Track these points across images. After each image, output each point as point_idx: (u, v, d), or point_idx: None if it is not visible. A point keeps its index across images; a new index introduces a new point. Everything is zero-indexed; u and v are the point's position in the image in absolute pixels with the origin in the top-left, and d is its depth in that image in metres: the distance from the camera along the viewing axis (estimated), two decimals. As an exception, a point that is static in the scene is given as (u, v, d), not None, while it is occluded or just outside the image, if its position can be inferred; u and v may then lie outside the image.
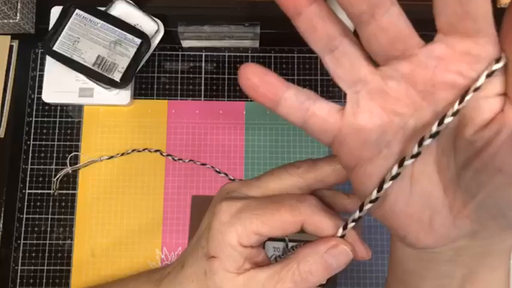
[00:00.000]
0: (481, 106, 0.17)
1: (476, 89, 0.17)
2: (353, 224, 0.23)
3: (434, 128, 0.19)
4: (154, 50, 0.46)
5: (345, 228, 0.23)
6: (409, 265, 0.23)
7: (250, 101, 0.47)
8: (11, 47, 0.47)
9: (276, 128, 0.46)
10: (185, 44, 0.47)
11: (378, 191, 0.20)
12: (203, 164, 0.45)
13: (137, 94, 0.47)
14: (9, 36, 0.47)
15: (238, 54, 0.48)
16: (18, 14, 0.45)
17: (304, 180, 0.26)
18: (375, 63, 0.20)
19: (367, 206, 0.21)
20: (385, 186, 0.20)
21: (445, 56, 0.18)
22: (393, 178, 0.20)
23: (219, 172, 0.45)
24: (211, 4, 0.47)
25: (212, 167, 0.45)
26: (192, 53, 0.48)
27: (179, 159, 0.45)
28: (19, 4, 0.45)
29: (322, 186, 0.27)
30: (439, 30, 0.18)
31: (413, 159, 0.19)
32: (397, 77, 0.19)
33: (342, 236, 0.24)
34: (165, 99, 0.47)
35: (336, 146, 0.22)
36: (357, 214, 0.22)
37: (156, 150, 0.45)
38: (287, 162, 0.27)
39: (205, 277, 0.26)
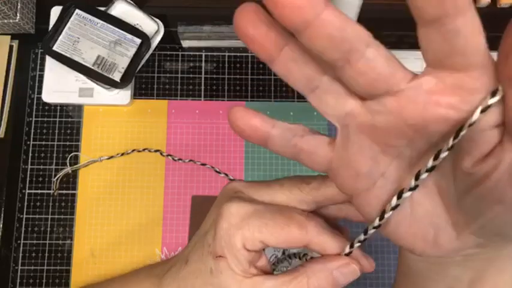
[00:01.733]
0: (477, 139, 0.17)
1: (471, 125, 0.16)
2: (359, 244, 0.24)
3: (430, 163, 0.18)
4: (154, 50, 0.46)
5: (351, 246, 0.24)
6: (418, 269, 0.24)
7: (250, 101, 0.47)
8: (11, 47, 0.47)
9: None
10: (185, 44, 0.47)
11: (380, 219, 0.21)
12: (203, 164, 0.45)
13: (137, 94, 0.47)
14: (9, 36, 0.47)
15: (238, 54, 0.48)
16: (18, 14, 0.45)
17: (313, 198, 0.26)
18: (361, 97, 0.19)
19: (371, 231, 0.22)
20: (386, 216, 0.20)
21: (435, 90, 0.17)
22: (393, 209, 0.20)
23: (219, 172, 0.45)
24: (211, 4, 0.47)
25: (212, 167, 0.45)
26: (192, 53, 0.48)
27: (179, 159, 0.45)
28: (19, 4, 0.45)
29: (329, 204, 0.27)
30: (427, 63, 0.17)
31: (410, 192, 0.19)
32: (384, 112, 0.18)
33: (349, 253, 0.25)
34: (165, 99, 0.47)
35: (331, 177, 0.22)
36: (362, 237, 0.23)
37: (156, 150, 0.45)
38: (297, 174, 0.27)
39: (211, 275, 0.26)
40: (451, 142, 0.17)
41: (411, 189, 0.19)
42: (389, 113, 0.18)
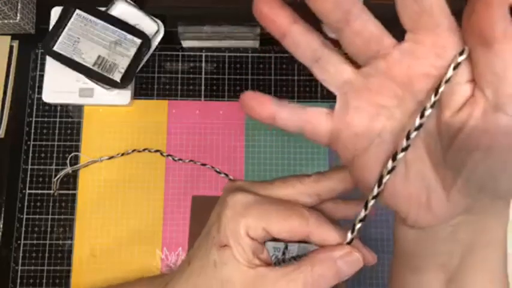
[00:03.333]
0: (454, 92, 0.20)
1: (447, 81, 0.20)
2: (360, 224, 0.24)
3: (417, 122, 0.21)
4: (155, 50, 0.46)
5: (352, 231, 0.25)
6: (411, 248, 0.25)
7: (251, 101, 0.47)
8: (11, 47, 0.47)
9: (276, 128, 0.46)
10: (185, 44, 0.47)
11: (378, 186, 0.23)
12: (203, 164, 0.45)
13: (137, 94, 0.47)
14: (9, 37, 0.47)
15: (238, 54, 0.48)
16: (18, 14, 0.45)
17: (314, 190, 0.28)
18: (356, 65, 0.23)
19: (371, 203, 0.23)
20: (384, 180, 0.22)
21: (415, 51, 0.20)
22: (390, 172, 0.22)
23: (219, 172, 0.45)
24: (211, 4, 0.47)
25: (212, 167, 0.45)
26: (192, 53, 0.48)
27: (179, 160, 0.45)
28: (19, 4, 0.45)
29: (330, 195, 0.28)
30: (406, 29, 0.20)
31: (404, 152, 0.22)
32: (376, 74, 0.22)
33: (350, 242, 0.25)
34: (165, 99, 0.47)
35: (333, 144, 0.24)
36: (362, 213, 0.24)
37: (157, 151, 0.45)
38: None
39: (214, 269, 0.26)
40: (432, 98, 0.20)
41: (403, 149, 0.22)
42: (380, 74, 0.21)
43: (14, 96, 0.46)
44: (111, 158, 0.45)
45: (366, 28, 0.21)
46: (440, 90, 0.20)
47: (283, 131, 0.25)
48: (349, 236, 0.25)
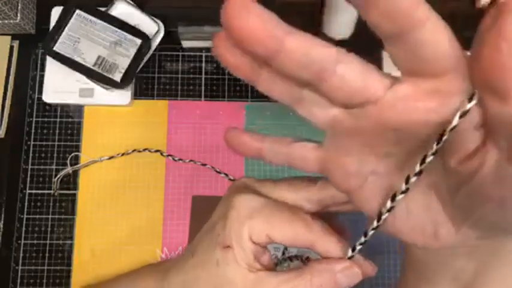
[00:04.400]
0: (462, 139, 0.17)
1: (452, 129, 0.17)
2: (361, 246, 0.24)
3: (417, 168, 0.19)
4: (155, 50, 0.46)
5: (353, 250, 0.25)
6: (422, 261, 0.24)
7: (251, 101, 0.47)
8: (11, 47, 0.47)
9: (276, 128, 0.46)
10: (185, 44, 0.47)
11: (378, 221, 0.21)
12: (203, 164, 0.45)
13: (137, 94, 0.47)
14: (9, 37, 0.47)
15: (238, 54, 0.48)
16: (18, 15, 0.45)
17: (319, 197, 0.27)
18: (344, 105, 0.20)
19: (371, 233, 0.23)
20: (383, 217, 0.21)
21: (412, 96, 0.17)
22: (389, 211, 0.21)
23: (219, 172, 0.45)
24: (211, 4, 0.47)
25: (212, 167, 0.45)
26: (192, 53, 0.48)
27: (179, 160, 0.45)
28: (20, 4, 0.45)
29: (333, 204, 0.28)
30: (401, 72, 0.17)
31: (403, 194, 0.20)
32: (367, 118, 0.19)
33: (351, 257, 0.25)
34: (165, 99, 0.47)
35: (326, 176, 0.23)
36: (362, 239, 0.24)
37: (157, 151, 0.45)
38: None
39: (217, 267, 0.26)
40: (434, 147, 0.18)
41: (403, 192, 0.20)
42: (372, 118, 0.18)
43: (14, 96, 0.46)
44: (111, 158, 0.45)
45: (346, 83, 0.17)
46: (444, 138, 0.17)
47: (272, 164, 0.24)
48: (350, 253, 0.25)
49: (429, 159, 0.18)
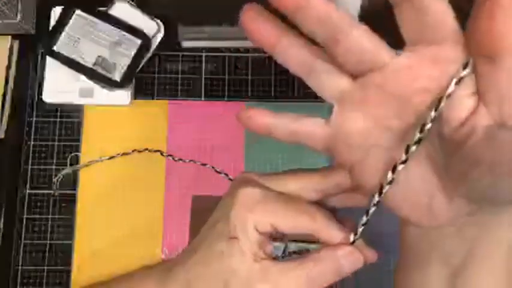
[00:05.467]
0: (455, 106, 0.19)
1: (448, 96, 0.18)
2: (362, 227, 0.25)
3: (416, 136, 0.20)
4: (155, 50, 0.46)
5: (355, 234, 0.26)
6: (415, 243, 0.25)
7: (251, 101, 0.47)
8: (11, 47, 0.47)
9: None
10: (185, 44, 0.47)
11: (379, 195, 0.22)
12: (203, 164, 0.45)
13: (137, 94, 0.47)
14: (9, 37, 0.47)
15: (238, 54, 0.48)
16: (18, 15, 0.45)
17: (322, 185, 0.28)
18: (352, 75, 0.22)
19: (372, 210, 0.23)
20: (384, 190, 0.22)
21: (414, 64, 0.19)
22: (389, 183, 0.22)
23: (219, 172, 0.45)
24: (211, 4, 0.47)
25: (212, 167, 0.45)
26: (192, 53, 0.48)
27: (179, 160, 0.45)
28: (19, 4, 0.45)
29: (336, 191, 0.28)
30: (406, 40, 0.19)
31: (403, 165, 0.21)
32: (373, 86, 0.21)
33: (353, 242, 0.26)
34: (165, 99, 0.47)
35: (329, 153, 0.24)
36: (364, 219, 0.24)
37: (157, 151, 0.45)
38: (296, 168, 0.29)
39: (221, 260, 0.27)
40: (433, 114, 0.19)
41: (403, 162, 0.21)
42: (377, 87, 0.21)
43: (14, 96, 0.46)
44: (111, 158, 0.45)
45: (358, 44, 0.20)
46: (441, 105, 0.19)
47: (280, 141, 0.25)
48: (352, 237, 0.26)
49: (428, 126, 0.20)
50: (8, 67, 0.46)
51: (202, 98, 0.47)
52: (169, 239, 0.44)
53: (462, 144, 0.19)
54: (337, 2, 0.45)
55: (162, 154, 0.45)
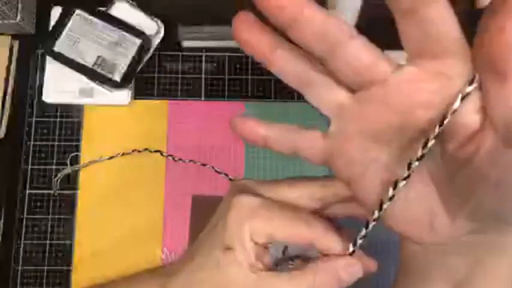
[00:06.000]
0: (460, 123, 0.18)
1: (453, 112, 0.17)
2: (361, 240, 0.24)
3: (419, 152, 0.19)
4: (155, 50, 0.46)
5: (354, 244, 0.25)
6: (417, 262, 0.24)
7: (251, 101, 0.47)
8: (11, 47, 0.47)
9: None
10: (185, 44, 0.47)
11: (379, 211, 0.22)
12: (203, 164, 0.45)
13: (137, 94, 0.47)
14: (9, 37, 0.47)
15: (238, 54, 0.48)
16: (18, 15, 0.45)
17: (321, 194, 0.27)
18: (351, 88, 0.21)
19: (372, 224, 0.23)
20: (384, 206, 0.21)
21: (417, 78, 0.18)
22: (390, 199, 0.21)
23: (219, 172, 0.45)
24: (211, 4, 0.47)
25: (212, 167, 0.45)
26: (192, 53, 0.48)
27: (179, 160, 0.45)
28: (19, 4, 0.45)
29: (335, 201, 0.28)
30: (408, 54, 0.18)
31: (404, 181, 0.20)
32: (372, 100, 0.19)
33: (352, 252, 0.25)
34: (165, 99, 0.47)
35: (328, 166, 0.23)
36: (363, 231, 0.24)
37: (157, 151, 0.45)
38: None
39: (217, 268, 0.26)
40: (437, 130, 0.18)
41: (404, 178, 0.20)
42: (377, 101, 0.19)
43: (14, 96, 0.46)
44: (111, 158, 0.45)
45: (357, 59, 0.18)
46: (446, 121, 0.18)
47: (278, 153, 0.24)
48: (351, 248, 0.25)
49: (431, 142, 0.19)
50: (8, 67, 0.46)
51: (202, 98, 0.47)
52: (169, 239, 0.44)
53: (467, 162, 0.18)
54: (338, 3, 0.45)
55: (162, 154, 0.45)
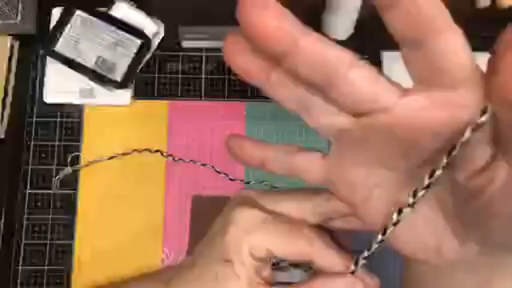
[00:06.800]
0: (470, 155, 0.17)
1: (463, 143, 0.16)
2: (364, 261, 0.24)
3: (426, 181, 0.18)
4: (155, 51, 0.46)
5: (356, 264, 0.24)
6: (423, 275, 0.24)
7: (251, 101, 0.47)
8: (12, 47, 0.47)
9: (276, 128, 0.46)
10: (185, 44, 0.47)
11: (383, 234, 0.21)
12: (203, 164, 0.45)
13: (138, 94, 0.47)
14: (10, 37, 0.47)
15: (238, 54, 0.48)
16: (19, 15, 0.45)
17: (322, 209, 0.27)
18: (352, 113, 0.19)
19: (375, 246, 0.22)
20: (388, 231, 0.20)
21: (424, 107, 0.17)
22: (394, 224, 0.20)
23: (219, 172, 0.45)
24: (211, 4, 0.47)
25: (212, 167, 0.45)
26: (192, 53, 0.48)
27: (179, 160, 0.45)
28: (20, 5, 0.45)
29: (337, 216, 0.27)
30: (414, 82, 0.17)
31: (410, 208, 0.19)
32: (376, 127, 0.18)
33: (353, 272, 0.25)
34: (165, 99, 0.47)
35: (330, 189, 0.22)
36: (365, 253, 0.23)
37: (157, 151, 0.45)
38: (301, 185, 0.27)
39: (216, 281, 0.26)
40: (444, 161, 0.17)
41: (409, 205, 0.19)
42: (381, 128, 0.18)
43: (14, 96, 0.46)
44: (111, 158, 0.45)
45: (357, 89, 0.17)
46: (454, 153, 0.17)
47: (275, 174, 0.23)
48: (352, 267, 0.24)
49: (438, 172, 0.18)
50: (9, 67, 0.46)
51: (202, 98, 0.47)
52: (169, 239, 0.44)
53: (478, 194, 0.17)
54: (338, 3, 0.45)
55: (162, 154, 0.45)
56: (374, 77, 0.17)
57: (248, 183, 0.45)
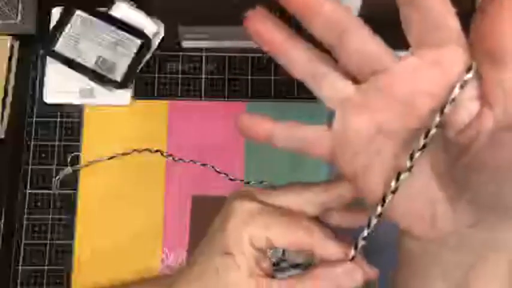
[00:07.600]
0: (460, 110, 0.19)
1: (452, 100, 0.18)
2: (363, 242, 0.24)
3: (421, 142, 0.20)
4: (155, 51, 0.46)
5: (355, 247, 0.25)
6: (416, 256, 0.24)
7: (251, 101, 0.47)
8: (11, 47, 0.47)
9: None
10: (185, 44, 0.47)
11: (382, 206, 0.22)
12: (203, 164, 0.45)
13: (138, 94, 0.47)
14: (10, 37, 0.47)
15: (238, 54, 0.48)
16: (19, 15, 0.45)
17: (321, 198, 0.28)
18: (356, 80, 0.22)
19: (374, 222, 0.23)
20: (387, 200, 0.22)
21: (419, 68, 0.19)
22: (393, 192, 0.21)
23: (219, 172, 0.45)
24: (211, 4, 0.47)
25: (212, 167, 0.45)
26: (192, 53, 0.48)
27: (179, 160, 0.45)
28: (20, 5, 0.45)
29: (336, 204, 0.28)
30: (411, 44, 0.20)
31: (407, 173, 0.21)
32: (377, 91, 0.21)
33: (353, 257, 0.25)
34: (165, 99, 0.47)
35: (334, 161, 0.23)
36: (365, 232, 0.24)
37: (157, 151, 0.45)
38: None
39: (217, 275, 0.26)
40: (437, 118, 0.19)
41: (407, 169, 0.21)
42: (381, 91, 0.20)
43: (14, 96, 0.46)
44: (111, 158, 0.45)
45: (364, 46, 0.20)
46: (446, 110, 0.19)
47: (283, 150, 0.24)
48: (352, 252, 0.25)
49: (433, 131, 0.19)
50: (8, 67, 0.46)
51: (202, 98, 0.47)
52: (169, 239, 0.44)
53: (467, 148, 0.19)
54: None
55: (162, 154, 0.45)
56: (378, 39, 0.20)
57: (248, 183, 0.45)
